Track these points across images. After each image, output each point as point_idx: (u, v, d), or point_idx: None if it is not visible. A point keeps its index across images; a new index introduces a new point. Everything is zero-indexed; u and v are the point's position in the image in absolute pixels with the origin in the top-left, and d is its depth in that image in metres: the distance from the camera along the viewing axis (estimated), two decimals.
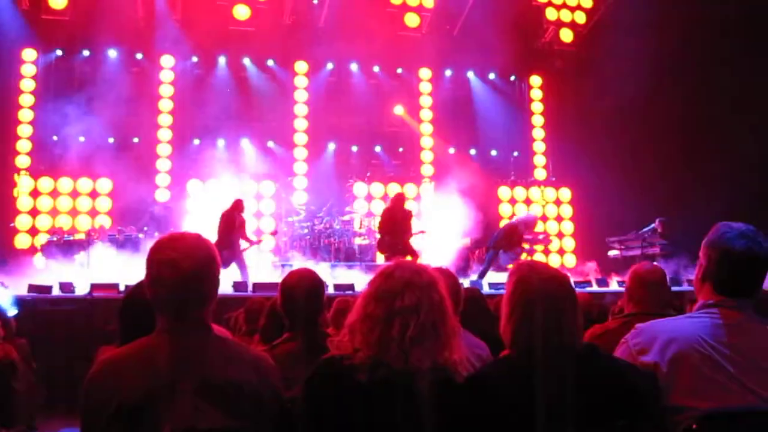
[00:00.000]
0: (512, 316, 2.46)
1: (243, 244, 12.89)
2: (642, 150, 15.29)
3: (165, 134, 16.61)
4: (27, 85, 15.93)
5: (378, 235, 12.85)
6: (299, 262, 14.08)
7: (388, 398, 2.22)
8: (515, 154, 18.30)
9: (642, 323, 2.71)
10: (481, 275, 12.56)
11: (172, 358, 2.21)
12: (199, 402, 2.14)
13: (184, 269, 2.24)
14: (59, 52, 16.22)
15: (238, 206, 12.64)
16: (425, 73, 18.00)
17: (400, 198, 12.71)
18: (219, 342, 2.37)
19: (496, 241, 13.13)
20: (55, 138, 15.63)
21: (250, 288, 11.45)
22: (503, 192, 17.90)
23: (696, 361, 2.46)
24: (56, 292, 10.85)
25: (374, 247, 15.13)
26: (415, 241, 13.04)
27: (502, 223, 16.22)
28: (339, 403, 2.25)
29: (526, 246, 13.59)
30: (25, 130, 15.78)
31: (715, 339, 2.49)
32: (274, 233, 14.26)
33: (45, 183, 15.76)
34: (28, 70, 16.02)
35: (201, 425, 2.12)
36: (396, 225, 12.27)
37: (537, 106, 18.59)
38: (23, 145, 15.77)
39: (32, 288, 10.73)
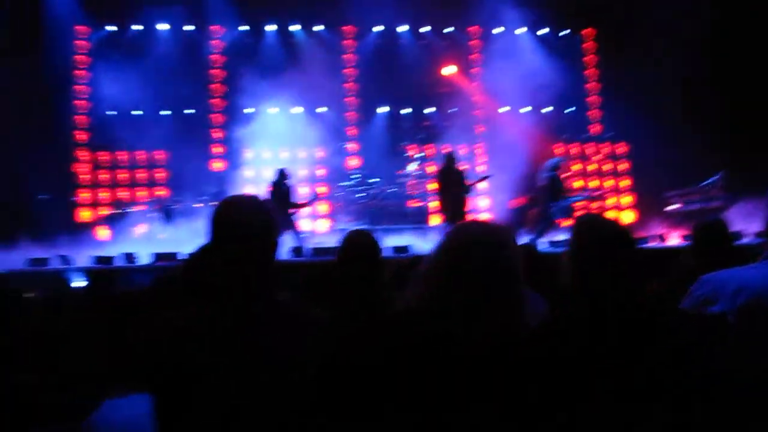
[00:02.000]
0: (574, 270, 2.43)
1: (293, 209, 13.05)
2: (702, 101, 14.94)
3: (218, 104, 16.83)
4: (81, 61, 16.35)
5: (433, 197, 12.84)
6: (354, 226, 14.25)
7: (452, 354, 2.20)
8: (569, 110, 18.05)
9: (706, 274, 2.66)
10: (538, 235, 12.52)
11: (233, 321, 2.22)
12: (261, 365, 2.16)
13: (244, 231, 2.27)
14: (111, 28, 16.51)
15: (284, 175, 12.81)
16: (475, 31, 17.82)
17: (450, 157, 12.67)
18: (280, 305, 2.38)
19: (542, 198, 13.06)
20: (111, 113, 15.96)
21: (309, 253, 11.64)
22: (558, 149, 17.74)
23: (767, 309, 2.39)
24: (120, 263, 11.20)
25: (427, 209, 15.25)
26: (478, 190, 12.95)
27: None
28: (402, 358, 2.21)
29: (571, 194, 13.34)
30: (82, 106, 16.18)
31: None
32: (317, 198, 14.35)
33: (103, 157, 16.21)
34: (82, 46, 16.39)
35: (258, 390, 2.14)
36: (449, 185, 12.27)
37: (591, 60, 18.28)
38: (81, 121, 16.18)
39: (97, 260, 11.13)
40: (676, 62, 14.95)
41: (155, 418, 2.22)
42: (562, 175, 13.18)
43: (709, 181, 14.28)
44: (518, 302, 2.31)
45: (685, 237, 11.91)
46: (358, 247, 3.71)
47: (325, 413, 2.23)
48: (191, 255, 3.23)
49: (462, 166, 12.83)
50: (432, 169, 16.77)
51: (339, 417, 2.22)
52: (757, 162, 12.61)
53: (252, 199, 2.39)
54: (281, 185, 12.83)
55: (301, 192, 15.34)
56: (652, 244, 12.01)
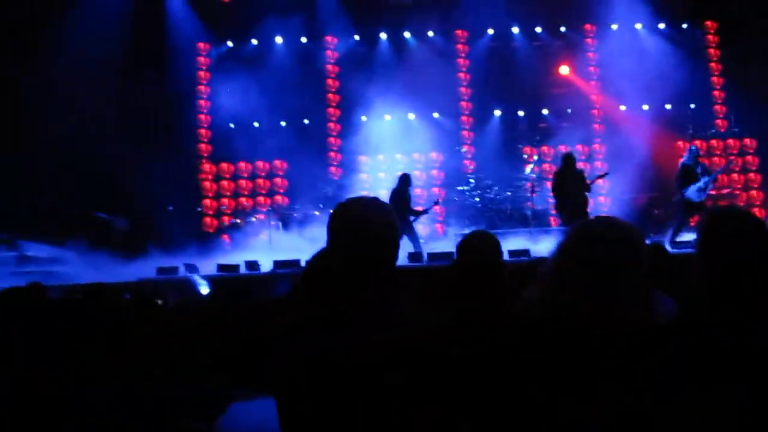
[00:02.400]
0: (706, 262, 2.36)
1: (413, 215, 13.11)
2: None
3: (333, 113, 17.15)
4: (203, 76, 16.97)
5: (552, 199, 12.66)
6: (471, 229, 14.19)
7: (572, 352, 2.14)
8: (692, 106, 17.44)
9: None
10: (674, 234, 12.09)
11: (350, 324, 2.19)
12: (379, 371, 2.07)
13: (364, 232, 2.24)
14: (230, 43, 17.22)
15: (406, 181, 12.83)
16: (590, 29, 17.51)
17: (568, 158, 12.47)
18: (400, 306, 2.32)
19: (677, 187, 12.61)
20: (231, 125, 16.53)
21: (425, 258, 11.64)
22: (681, 146, 17.13)
23: None
24: (243, 270, 11.50)
25: (548, 212, 15.04)
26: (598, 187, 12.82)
27: None
28: (526, 356, 2.16)
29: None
30: (204, 120, 16.79)
31: None
32: (437, 203, 14.31)
33: (225, 168, 16.75)
34: (203, 62, 17.03)
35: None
36: (568, 185, 12.08)
37: (714, 54, 17.61)
38: (204, 134, 16.78)
39: (221, 268, 11.49)
40: None
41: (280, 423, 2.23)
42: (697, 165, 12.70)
43: None
44: (643, 299, 2.30)
45: None
46: (479, 249, 3.67)
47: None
48: (310, 260, 3.26)
49: (580, 166, 12.61)
50: (550, 170, 16.56)
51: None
52: None
53: (371, 201, 2.38)
54: (403, 191, 12.87)
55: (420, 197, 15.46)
56: None
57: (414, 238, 12.86)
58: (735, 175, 17.48)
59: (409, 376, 2.09)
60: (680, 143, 17.42)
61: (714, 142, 17.63)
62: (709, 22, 18.03)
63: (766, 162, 17.19)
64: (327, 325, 2.23)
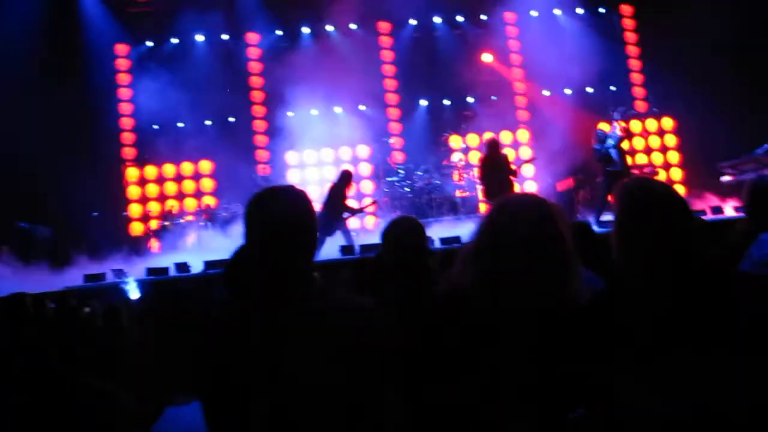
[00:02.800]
0: (622, 235, 2.36)
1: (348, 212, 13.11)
2: (748, 68, 14.68)
3: (259, 110, 17.11)
4: (123, 78, 16.71)
5: (479, 185, 12.78)
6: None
7: (496, 330, 2.22)
8: (612, 88, 17.82)
9: (765, 233, 2.59)
10: (597, 213, 12.39)
11: (278, 311, 2.19)
12: (306, 354, 2.12)
13: (281, 220, 2.24)
14: (149, 43, 16.89)
15: (346, 178, 12.79)
16: (510, 16, 17.74)
17: (494, 143, 12.58)
18: (323, 292, 2.36)
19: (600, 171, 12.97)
20: (155, 127, 16.28)
21: (357, 250, 11.65)
22: (603, 128, 17.48)
23: None
24: (173, 273, 11.36)
25: (476, 198, 15.19)
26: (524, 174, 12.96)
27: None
28: (449, 335, 2.27)
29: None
30: (127, 123, 16.59)
31: None
32: (373, 206, 14.32)
33: (151, 171, 16.53)
34: (123, 64, 16.75)
35: (308, 378, 2.10)
36: (495, 171, 12.17)
37: (630, 36, 18.05)
38: (127, 137, 16.52)
39: (151, 271, 11.32)
40: (717, 30, 14.68)
41: (206, 422, 2.23)
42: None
43: (762, 148, 13.96)
44: (567, 275, 2.31)
45: (737, 208, 11.71)
46: (403, 233, 3.68)
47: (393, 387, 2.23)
48: (230, 257, 3.23)
49: (505, 152, 12.75)
50: (477, 157, 16.74)
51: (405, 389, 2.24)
52: None
53: (286, 189, 2.37)
54: (341, 187, 12.83)
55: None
56: (706, 217, 11.77)
57: (346, 232, 12.85)
58: (655, 154, 17.93)
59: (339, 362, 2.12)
60: (602, 125, 17.77)
61: (634, 122, 18.04)
62: (624, 6, 18.45)
63: (685, 141, 17.65)
64: (258, 317, 2.21)
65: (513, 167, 12.44)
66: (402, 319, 2.47)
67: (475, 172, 15.20)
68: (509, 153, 14.02)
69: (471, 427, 2.23)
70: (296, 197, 2.33)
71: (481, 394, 2.21)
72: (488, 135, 16.20)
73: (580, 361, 2.21)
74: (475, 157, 16.77)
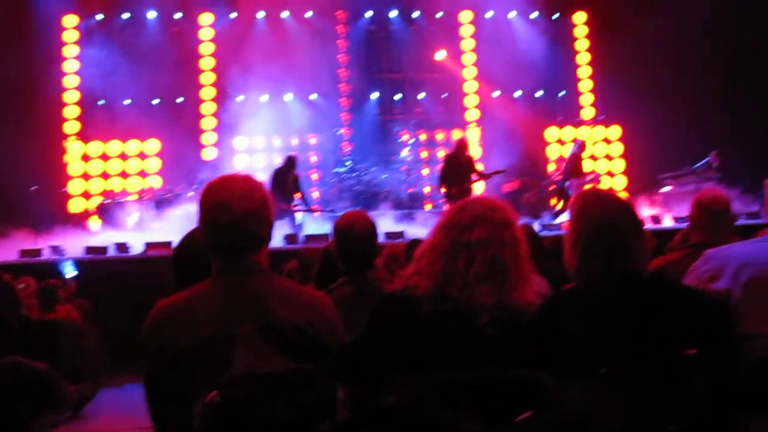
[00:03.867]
0: (576, 245, 2.43)
1: (300, 203, 13.03)
2: (694, 83, 15.12)
3: (208, 92, 16.90)
4: (71, 51, 16.46)
5: (439, 184, 12.63)
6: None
7: (450, 332, 2.26)
8: (562, 93, 18.13)
9: (711, 250, 2.69)
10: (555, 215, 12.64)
11: (230, 301, 2.21)
12: (260, 345, 2.12)
13: (237, 210, 2.23)
14: (100, 17, 16.61)
15: (291, 163, 12.74)
16: (466, 15, 17.90)
17: (461, 143, 12.50)
18: (277, 283, 2.36)
19: (565, 172, 13.17)
20: (101, 102, 15.98)
21: (301, 240, 11.62)
22: (551, 133, 17.79)
23: None
24: (112, 252, 11.19)
25: (423, 195, 15.25)
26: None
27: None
28: (401, 334, 2.29)
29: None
30: (72, 96, 16.29)
31: None
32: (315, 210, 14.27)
33: (94, 147, 16.36)
34: (71, 36, 16.48)
35: (262, 368, 2.09)
36: (457, 172, 12.11)
37: (582, 44, 18.44)
38: (71, 111, 16.29)
39: (89, 250, 11.15)
40: (666, 43, 15.02)
41: (149, 408, 2.24)
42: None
43: (702, 162, 14.36)
44: (521, 280, 2.37)
45: (678, 219, 12.00)
46: (354, 229, 3.68)
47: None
48: (181, 240, 3.18)
49: (471, 154, 12.64)
50: (425, 154, 16.85)
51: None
52: (752, 142, 12.71)
53: (242, 178, 2.36)
54: (286, 172, 12.75)
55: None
56: (647, 226, 12.03)
57: (292, 219, 12.81)
58: (601, 161, 18.25)
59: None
60: (550, 129, 18.06)
61: (581, 129, 18.33)
62: (579, 13, 18.69)
63: (631, 149, 17.98)
64: (211, 303, 2.22)
65: (478, 171, 12.39)
66: (350, 315, 2.49)
67: (424, 168, 15.34)
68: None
69: (416, 428, 2.25)
70: (254, 187, 2.33)
71: (428, 396, 2.22)
72: (457, 134, 16.30)
73: (527, 366, 2.24)
74: (423, 153, 16.87)
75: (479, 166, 13.18)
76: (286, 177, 12.76)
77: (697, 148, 14.60)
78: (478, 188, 13.31)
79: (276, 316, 2.19)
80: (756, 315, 2.44)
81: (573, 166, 13.76)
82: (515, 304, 2.32)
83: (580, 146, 14.11)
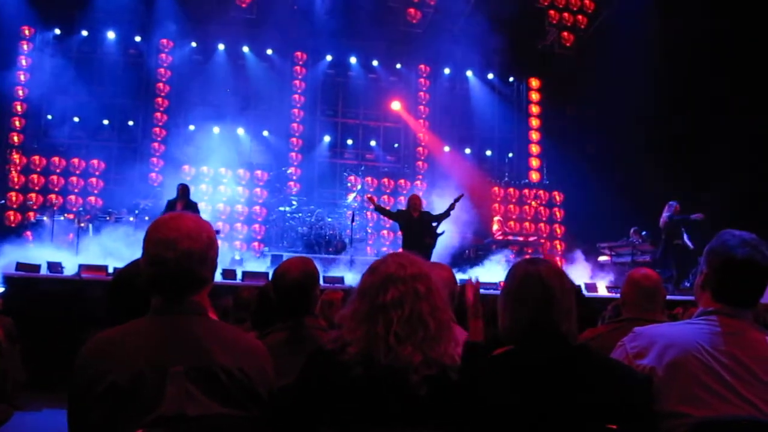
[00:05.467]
0: (507, 310, 2.48)
1: None
2: (636, 156, 15.53)
3: (161, 118, 16.73)
4: (23, 62, 16.04)
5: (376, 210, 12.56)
6: (289, 253, 14.26)
7: (379, 394, 2.24)
8: (510, 155, 18.51)
9: (639, 327, 2.69)
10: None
11: (165, 341, 2.18)
12: (191, 387, 2.10)
13: (182, 250, 2.21)
14: (57, 31, 16.48)
15: (182, 191, 12.66)
16: (424, 70, 18.14)
17: (412, 201, 12.16)
18: (214, 326, 2.32)
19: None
20: (49, 117, 15.78)
21: (239, 276, 11.45)
22: (496, 192, 18.06)
23: (693, 367, 2.44)
24: (44, 271, 10.87)
25: (366, 240, 15.25)
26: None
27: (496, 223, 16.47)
28: (330, 397, 2.28)
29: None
30: (19, 108, 15.95)
31: (713, 346, 2.48)
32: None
33: (37, 160, 15.88)
34: (26, 48, 16.18)
35: (191, 411, 2.08)
36: (408, 230, 11.83)
37: (534, 109, 18.83)
38: (17, 123, 15.94)
39: (20, 267, 10.80)
40: (614, 118, 15.44)
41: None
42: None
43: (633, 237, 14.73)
44: (443, 331, 2.35)
45: (610, 288, 12.20)
46: (295, 275, 3.67)
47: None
48: (121, 271, 3.12)
49: (425, 213, 12.18)
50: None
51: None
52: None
53: (191, 219, 2.33)
54: (175, 202, 12.61)
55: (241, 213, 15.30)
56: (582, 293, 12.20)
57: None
58: (542, 225, 18.56)
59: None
60: (496, 188, 18.33)
61: (526, 191, 18.66)
62: (533, 79, 19.16)
63: (570, 215, 18.35)
64: (146, 340, 2.18)
65: (436, 216, 12.06)
66: (284, 361, 2.48)
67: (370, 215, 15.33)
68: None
69: None
70: (202, 228, 2.30)
71: None
72: (386, 180, 16.35)
73: (458, 426, 2.27)
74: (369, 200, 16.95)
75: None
76: (174, 206, 12.55)
77: (636, 220, 14.95)
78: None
79: (210, 360, 2.16)
80: (676, 394, 2.42)
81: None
82: (442, 359, 2.30)
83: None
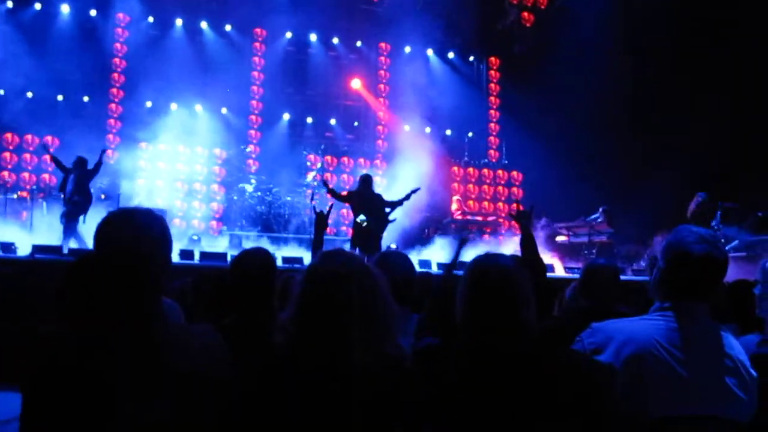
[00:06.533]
0: (465, 303, 2.49)
1: None
2: (595, 138, 15.68)
3: (117, 94, 16.45)
4: None
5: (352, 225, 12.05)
6: (248, 232, 14.19)
7: (330, 391, 2.21)
8: (470, 134, 18.56)
9: (597, 322, 2.69)
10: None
11: (120, 344, 2.10)
12: (148, 392, 2.06)
13: (136, 249, 2.17)
14: (9, 4, 16.14)
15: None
16: (384, 48, 18.07)
17: (365, 179, 11.88)
18: (171, 328, 2.28)
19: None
20: (1, 92, 15.46)
21: (197, 257, 11.26)
22: (456, 171, 18.12)
23: (650, 363, 2.46)
24: None
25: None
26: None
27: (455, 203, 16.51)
28: (281, 393, 2.25)
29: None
30: None
31: (669, 342, 2.50)
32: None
33: None
34: None
35: (148, 416, 2.05)
36: (361, 209, 11.55)
37: (494, 89, 18.88)
38: None
39: None
40: (571, 96, 15.51)
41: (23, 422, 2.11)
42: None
43: (593, 216, 14.82)
44: (390, 329, 2.34)
45: (568, 269, 12.28)
46: (254, 267, 3.65)
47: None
48: (71, 268, 3.02)
49: (378, 192, 11.82)
50: (330, 179, 16.82)
51: None
52: (644, 200, 13.25)
53: (142, 215, 2.28)
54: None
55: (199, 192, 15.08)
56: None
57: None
58: (500, 204, 18.67)
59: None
60: (455, 168, 18.38)
61: (485, 171, 18.75)
62: (493, 58, 19.26)
63: (528, 196, 18.49)
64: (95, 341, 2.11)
65: (389, 201, 11.60)
66: (236, 354, 2.45)
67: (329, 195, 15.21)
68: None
69: None
70: (154, 224, 2.27)
71: None
72: (345, 159, 16.28)
73: (399, 421, 2.25)
74: (329, 179, 16.87)
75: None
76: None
77: (593, 201, 15.09)
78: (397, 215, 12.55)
79: (166, 364, 2.12)
80: (633, 392, 2.45)
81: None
82: (393, 351, 2.30)
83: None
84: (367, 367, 2.23)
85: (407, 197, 11.74)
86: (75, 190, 11.92)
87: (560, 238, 15.84)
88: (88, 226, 11.65)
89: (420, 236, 15.78)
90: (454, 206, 17.48)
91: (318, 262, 2.40)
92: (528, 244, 4.57)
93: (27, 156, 16.25)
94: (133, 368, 2.08)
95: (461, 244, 4.08)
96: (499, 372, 2.31)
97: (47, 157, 12.41)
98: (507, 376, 2.30)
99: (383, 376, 2.24)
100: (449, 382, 2.34)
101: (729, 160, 14.08)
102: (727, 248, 13.02)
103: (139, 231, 2.22)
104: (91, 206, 12.42)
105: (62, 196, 12.35)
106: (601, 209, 14.75)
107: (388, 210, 11.55)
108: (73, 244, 11.34)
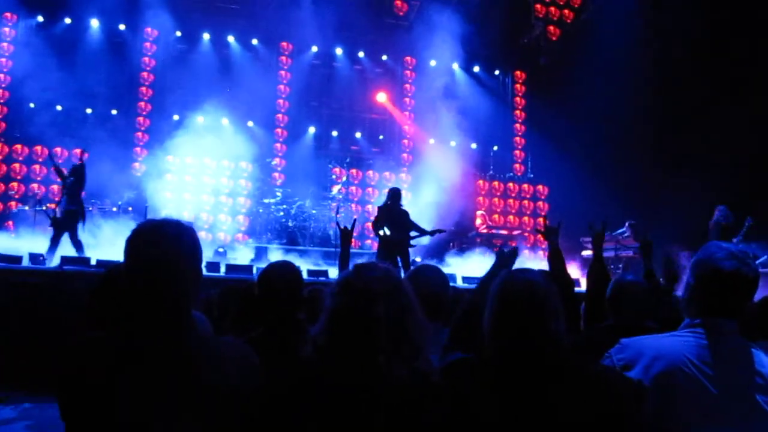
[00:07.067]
0: (493, 317, 2.46)
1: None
2: (620, 152, 15.60)
3: (144, 107, 16.62)
4: (5, 49, 15.88)
5: (376, 235, 11.92)
6: (274, 245, 14.22)
7: (359, 405, 2.21)
8: (495, 148, 18.51)
9: (626, 338, 2.68)
10: None
11: (152, 356, 2.12)
12: (179, 404, 2.07)
13: (165, 261, 2.15)
14: (40, 18, 16.30)
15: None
16: (410, 62, 18.11)
17: (395, 193, 11.73)
18: (202, 341, 2.28)
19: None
20: (32, 105, 15.58)
21: (223, 270, 11.29)
22: (481, 185, 18.08)
23: (680, 380, 2.44)
24: (26, 263, 10.70)
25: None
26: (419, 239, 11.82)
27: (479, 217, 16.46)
28: (310, 407, 2.24)
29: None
30: (1, 95, 15.87)
31: (699, 359, 2.48)
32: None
33: (19, 149, 15.78)
34: (8, 34, 16.02)
35: (178, 428, 2.06)
36: (393, 224, 11.41)
37: (519, 102, 18.84)
38: None
39: (1, 258, 10.62)
40: (598, 110, 15.46)
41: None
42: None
43: (620, 230, 14.72)
44: (423, 345, 2.33)
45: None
46: (281, 281, 3.64)
47: None
48: (101, 280, 3.03)
49: (405, 208, 11.64)
50: (356, 192, 16.89)
51: None
52: (670, 213, 13.14)
53: (171, 227, 2.24)
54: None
55: (225, 204, 15.14)
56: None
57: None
58: (526, 218, 18.60)
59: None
60: (480, 182, 18.33)
61: (511, 184, 18.69)
62: (518, 72, 19.23)
63: (555, 209, 18.39)
64: (124, 352, 2.13)
65: (416, 225, 11.49)
66: (265, 367, 2.44)
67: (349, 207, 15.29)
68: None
69: None
70: (185, 235, 2.23)
71: None
72: (371, 172, 16.28)
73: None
74: (354, 192, 16.94)
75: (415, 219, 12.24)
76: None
77: (620, 215, 14.98)
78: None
79: (198, 377, 2.13)
80: (663, 408, 2.45)
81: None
82: (426, 367, 2.29)
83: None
84: (396, 381, 2.21)
85: (431, 233, 11.73)
86: (69, 200, 11.94)
87: (586, 253, 15.74)
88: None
89: (445, 250, 15.75)
90: (478, 221, 17.44)
91: (351, 276, 2.38)
92: (555, 259, 4.56)
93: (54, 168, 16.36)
94: (164, 381, 2.09)
95: (511, 255, 4.02)
96: (528, 386, 2.30)
97: (53, 168, 12.45)
98: (536, 390, 2.29)
99: (412, 390, 2.22)
100: (477, 396, 2.33)
101: (751, 174, 13.95)
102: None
103: (169, 243, 2.17)
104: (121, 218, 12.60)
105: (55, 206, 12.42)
106: (627, 223, 14.62)
107: (413, 234, 11.43)
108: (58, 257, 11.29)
